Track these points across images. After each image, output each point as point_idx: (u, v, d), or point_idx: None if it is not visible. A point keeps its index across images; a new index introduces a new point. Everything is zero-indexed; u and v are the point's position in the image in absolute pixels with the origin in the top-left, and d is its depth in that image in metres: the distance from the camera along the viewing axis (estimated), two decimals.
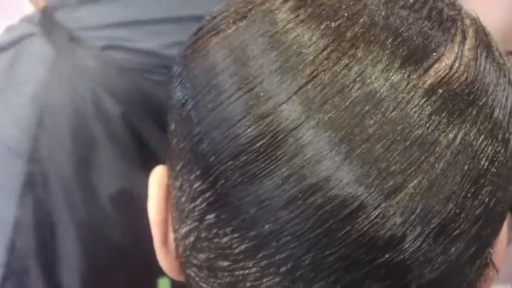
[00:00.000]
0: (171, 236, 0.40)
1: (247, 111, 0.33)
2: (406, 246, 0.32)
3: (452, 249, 0.33)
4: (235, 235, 0.34)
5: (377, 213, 0.32)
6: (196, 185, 0.35)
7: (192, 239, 0.37)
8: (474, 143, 0.33)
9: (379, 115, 0.32)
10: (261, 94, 0.33)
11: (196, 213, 0.36)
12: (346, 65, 0.33)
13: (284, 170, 0.32)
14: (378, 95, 0.32)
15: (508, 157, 0.35)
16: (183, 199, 0.37)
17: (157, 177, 0.41)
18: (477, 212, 0.33)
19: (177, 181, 0.38)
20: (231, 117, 0.34)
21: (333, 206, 0.32)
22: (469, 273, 0.35)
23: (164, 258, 0.41)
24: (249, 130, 0.33)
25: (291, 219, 0.32)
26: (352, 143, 0.32)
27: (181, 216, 0.38)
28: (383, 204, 0.32)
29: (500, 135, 0.34)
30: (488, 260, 0.36)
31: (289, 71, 0.33)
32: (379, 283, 0.33)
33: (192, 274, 0.38)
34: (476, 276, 0.36)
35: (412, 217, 0.32)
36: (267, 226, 0.33)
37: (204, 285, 0.37)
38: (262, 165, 0.33)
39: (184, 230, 0.37)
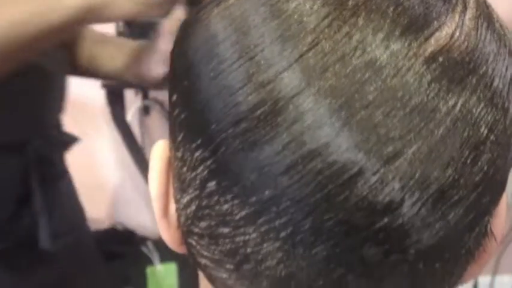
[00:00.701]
0: (172, 207, 0.40)
1: (248, 79, 0.33)
2: (405, 211, 0.32)
3: (451, 215, 0.33)
4: (235, 201, 0.34)
5: (376, 178, 0.32)
6: (197, 154, 0.36)
7: (193, 207, 0.37)
8: (474, 110, 0.33)
9: (379, 82, 0.32)
10: (262, 62, 0.33)
11: (197, 182, 0.36)
12: (347, 33, 0.33)
13: (284, 136, 0.32)
14: (378, 62, 0.33)
15: (507, 126, 0.35)
16: (185, 169, 0.37)
17: (159, 151, 0.41)
18: (476, 179, 0.33)
19: (179, 151, 0.38)
20: (231, 85, 0.34)
21: (332, 171, 0.32)
22: (468, 241, 0.35)
23: (166, 230, 0.41)
24: (249, 97, 0.33)
25: (291, 184, 0.33)
26: (352, 109, 0.32)
27: (182, 186, 0.38)
28: (382, 170, 0.32)
29: (500, 104, 0.34)
30: (487, 229, 0.36)
31: (290, 39, 0.33)
32: (378, 247, 0.33)
33: (193, 243, 0.38)
34: (475, 245, 0.36)
35: (411, 182, 0.32)
36: (267, 192, 0.33)
37: (205, 253, 0.38)
38: (263, 131, 0.33)
39: (185, 199, 0.38)
